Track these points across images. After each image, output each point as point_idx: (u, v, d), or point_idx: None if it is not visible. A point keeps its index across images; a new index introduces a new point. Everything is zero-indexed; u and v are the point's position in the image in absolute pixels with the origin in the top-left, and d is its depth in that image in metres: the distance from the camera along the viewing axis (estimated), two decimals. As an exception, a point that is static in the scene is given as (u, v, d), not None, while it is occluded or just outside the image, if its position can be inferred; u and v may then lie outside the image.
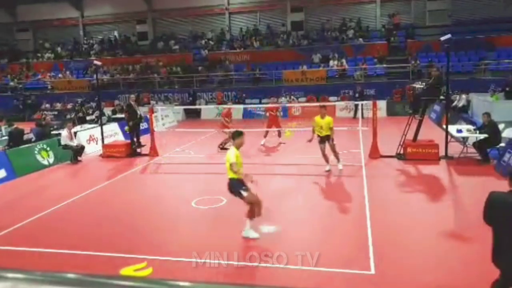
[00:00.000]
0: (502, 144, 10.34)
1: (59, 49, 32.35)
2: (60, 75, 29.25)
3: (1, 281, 0.99)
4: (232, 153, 6.36)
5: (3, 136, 14.56)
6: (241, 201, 8.52)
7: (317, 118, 10.57)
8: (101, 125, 14.62)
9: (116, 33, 33.25)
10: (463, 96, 18.09)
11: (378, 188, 9.08)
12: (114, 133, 16.30)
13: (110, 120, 18.44)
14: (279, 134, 14.65)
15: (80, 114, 21.13)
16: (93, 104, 22.70)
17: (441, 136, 11.74)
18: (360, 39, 26.27)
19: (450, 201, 8.36)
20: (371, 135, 11.78)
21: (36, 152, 12.45)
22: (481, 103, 16.36)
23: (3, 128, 15.28)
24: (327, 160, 10.63)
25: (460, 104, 17.79)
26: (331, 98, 22.41)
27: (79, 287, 1.00)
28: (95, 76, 17.06)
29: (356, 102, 18.47)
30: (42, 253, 6.34)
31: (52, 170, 12.41)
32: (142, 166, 12.35)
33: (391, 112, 21.01)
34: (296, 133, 14.87)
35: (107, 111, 20.44)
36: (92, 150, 14.54)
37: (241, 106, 21.37)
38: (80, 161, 13.22)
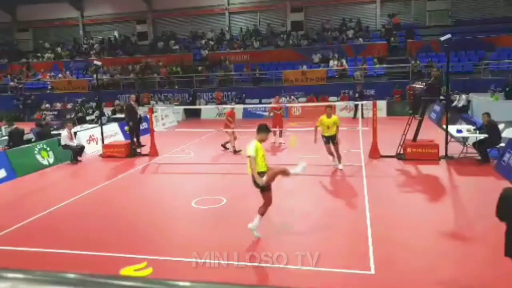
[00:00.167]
0: (502, 144, 10.34)
1: (59, 49, 32.35)
2: (60, 75, 29.25)
3: (1, 281, 0.99)
4: (251, 146, 6.14)
5: (3, 136, 14.57)
6: (241, 201, 8.58)
7: (324, 118, 10.62)
8: (101, 125, 14.62)
9: (116, 33, 33.27)
10: (463, 96, 18.09)
11: (378, 188, 9.08)
12: (114, 133, 16.30)
13: (110, 120, 18.44)
14: (280, 134, 14.67)
15: (80, 114, 21.15)
16: (93, 104, 22.71)
17: (441, 136, 11.75)
18: (360, 39, 26.28)
19: (450, 201, 8.36)
20: (371, 135, 11.78)
21: (36, 152, 12.45)
22: (481, 103, 16.37)
23: (3, 128, 15.28)
24: (333, 156, 10.80)
25: (460, 104, 17.79)
26: (331, 98, 22.41)
27: (79, 287, 1.00)
28: (95, 76, 17.07)
29: (356, 102, 18.46)
30: (42, 253, 6.34)
31: (52, 170, 12.41)
32: (142, 166, 12.35)
33: (391, 112, 21.01)
34: (296, 133, 14.88)
35: (107, 111, 20.45)
36: (92, 150, 14.54)
37: (241, 106, 21.37)
38: (80, 161, 13.22)
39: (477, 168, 10.33)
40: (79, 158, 13.22)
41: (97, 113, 18.74)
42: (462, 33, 23.04)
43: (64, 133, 13.14)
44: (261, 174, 6.17)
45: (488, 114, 10.83)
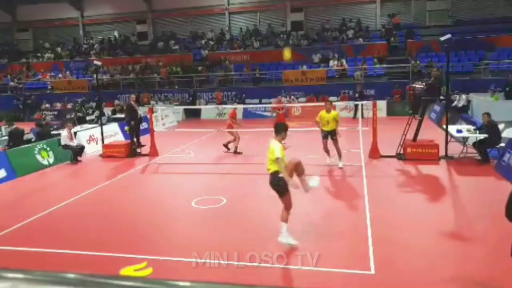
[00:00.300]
0: (502, 144, 10.34)
1: (59, 49, 32.36)
2: (60, 75, 29.26)
3: (1, 281, 0.99)
4: (277, 147, 5.93)
5: (3, 136, 14.57)
6: (241, 201, 8.58)
7: (323, 113, 10.69)
8: (101, 125, 14.62)
9: (116, 33, 33.28)
10: (463, 96, 18.09)
11: (378, 188, 9.08)
12: (114, 133, 16.30)
13: (110, 120, 18.44)
14: None
15: (80, 114, 21.15)
16: (93, 104, 22.71)
17: (441, 136, 11.75)
18: (360, 39, 26.28)
19: (450, 201, 8.36)
20: (371, 135, 11.78)
21: (36, 152, 12.45)
22: (481, 103, 16.37)
23: (3, 128, 15.29)
24: (328, 153, 10.84)
25: (460, 104, 17.79)
26: (331, 98, 22.22)
27: (79, 287, 1.00)
28: (95, 76, 17.06)
29: (356, 102, 18.46)
30: (42, 253, 6.34)
31: (52, 170, 12.41)
32: (142, 166, 12.35)
33: (391, 112, 21.02)
34: (296, 133, 14.86)
35: (107, 111, 20.45)
36: (92, 150, 14.54)
37: (241, 106, 21.38)
38: (80, 161, 13.22)
39: (477, 168, 10.33)
40: (79, 158, 13.22)
41: (97, 113, 18.74)
42: (462, 33, 23.04)
43: (64, 133, 13.14)
44: (276, 173, 5.96)
45: (488, 114, 10.83)
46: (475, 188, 9.10)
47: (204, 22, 31.52)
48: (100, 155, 13.80)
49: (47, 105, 27.05)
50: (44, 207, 8.55)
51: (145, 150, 13.76)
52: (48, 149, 12.84)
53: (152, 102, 24.60)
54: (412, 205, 8.02)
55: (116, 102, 22.46)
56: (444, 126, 11.71)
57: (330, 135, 10.76)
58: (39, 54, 32.52)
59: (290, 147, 14.06)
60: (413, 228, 6.81)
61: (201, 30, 31.16)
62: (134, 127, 13.78)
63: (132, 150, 13.61)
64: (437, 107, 16.06)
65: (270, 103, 22.80)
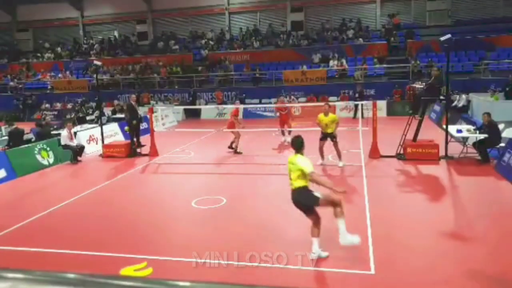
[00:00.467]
0: (502, 144, 10.34)
1: (59, 49, 32.35)
2: (60, 75, 29.26)
3: (1, 281, 0.99)
4: (307, 161, 5.59)
5: (3, 136, 14.58)
6: (241, 201, 8.58)
7: (321, 116, 10.71)
8: (101, 125, 14.62)
9: (116, 33, 33.28)
10: (463, 96, 18.09)
11: (378, 188, 9.08)
12: (114, 133, 16.31)
13: (110, 120, 18.45)
14: (289, 133, 14.74)
15: (80, 114, 21.15)
16: (93, 104, 22.71)
17: (441, 136, 11.75)
18: (360, 39, 26.28)
19: (450, 201, 8.36)
20: (371, 135, 11.78)
21: (36, 152, 12.45)
22: (481, 103, 16.36)
23: (3, 128, 15.30)
24: (322, 155, 10.83)
25: (460, 104, 17.79)
26: (331, 98, 22.40)
27: (79, 287, 1.00)
28: (95, 76, 17.06)
29: (356, 102, 18.46)
30: (42, 253, 6.34)
31: (52, 170, 12.41)
32: (142, 166, 12.35)
33: (391, 112, 21.01)
34: (296, 133, 14.85)
35: (107, 111, 20.45)
36: (92, 150, 14.54)
37: (241, 106, 21.34)
38: (80, 161, 13.22)
39: (477, 168, 10.33)
40: (79, 158, 13.22)
41: (97, 113, 18.74)
42: (462, 33, 23.04)
43: (64, 133, 13.14)
44: (305, 187, 5.61)
45: (488, 114, 10.82)
46: (475, 188, 9.09)
47: (204, 22, 31.53)
48: (100, 155, 13.80)
49: (47, 105, 27.05)
50: (44, 207, 8.55)
51: (145, 150, 13.76)
52: (48, 149, 12.84)
53: (152, 102, 24.60)
54: (412, 205, 8.02)
55: (116, 102, 22.45)
56: (444, 126, 11.71)
57: (330, 137, 10.75)
58: (39, 54, 32.52)
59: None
60: (413, 228, 6.81)
61: (201, 30, 31.16)
62: (135, 126, 13.78)
63: (132, 150, 13.61)
64: (437, 107, 16.07)
65: (270, 103, 22.81)
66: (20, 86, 28.82)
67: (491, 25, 25.02)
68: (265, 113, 22.11)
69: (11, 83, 28.92)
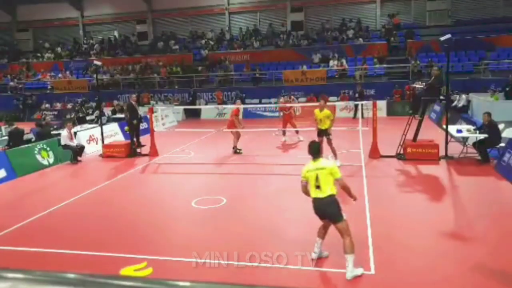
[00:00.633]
0: (502, 144, 10.34)
1: (59, 49, 32.35)
2: (60, 75, 29.25)
3: (1, 281, 0.99)
4: (335, 166, 5.39)
5: (3, 136, 14.58)
6: (241, 201, 8.58)
7: (317, 111, 10.74)
8: (101, 125, 14.62)
9: (116, 33, 33.27)
10: (463, 96, 18.09)
11: (378, 188, 9.08)
12: (114, 133, 16.30)
13: (110, 120, 18.44)
14: (297, 132, 14.83)
15: (80, 114, 21.15)
16: (93, 104, 22.70)
17: (441, 136, 11.75)
18: (360, 39, 26.27)
19: (450, 201, 8.36)
20: (371, 135, 11.78)
21: (36, 152, 12.45)
22: (481, 103, 16.36)
23: (3, 128, 15.30)
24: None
25: (460, 104, 17.80)
26: (331, 98, 22.29)
27: (79, 287, 1.00)
28: (95, 76, 17.06)
29: (356, 102, 18.46)
30: (42, 253, 6.34)
31: (52, 170, 12.41)
32: (142, 166, 12.35)
33: (391, 112, 21.00)
34: (300, 133, 14.89)
35: (107, 111, 20.45)
36: (92, 150, 14.54)
37: (242, 106, 21.35)
38: (80, 161, 13.21)
39: (477, 168, 10.33)
40: (79, 158, 13.22)
41: (97, 113, 18.74)
42: (462, 33, 23.03)
43: (64, 133, 13.14)
44: (336, 197, 5.38)
45: (488, 114, 10.82)
46: (475, 188, 9.10)
47: (204, 22, 31.53)
48: (100, 155, 13.80)
49: (47, 105, 27.04)
50: (44, 207, 8.55)
51: (145, 150, 13.76)
52: (48, 149, 12.84)
53: (152, 102, 24.59)
54: (412, 205, 8.02)
55: (116, 102, 22.46)
56: (444, 126, 11.71)
57: (324, 134, 10.70)
58: (39, 54, 32.51)
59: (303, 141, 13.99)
60: (413, 228, 6.81)
61: (201, 30, 31.15)
62: (135, 126, 13.78)
63: (132, 150, 13.60)
64: (437, 107, 16.07)
65: (270, 103, 22.81)
66: (20, 86, 28.81)
67: (491, 25, 25.01)
68: (265, 113, 22.10)
69: (11, 83, 28.92)
